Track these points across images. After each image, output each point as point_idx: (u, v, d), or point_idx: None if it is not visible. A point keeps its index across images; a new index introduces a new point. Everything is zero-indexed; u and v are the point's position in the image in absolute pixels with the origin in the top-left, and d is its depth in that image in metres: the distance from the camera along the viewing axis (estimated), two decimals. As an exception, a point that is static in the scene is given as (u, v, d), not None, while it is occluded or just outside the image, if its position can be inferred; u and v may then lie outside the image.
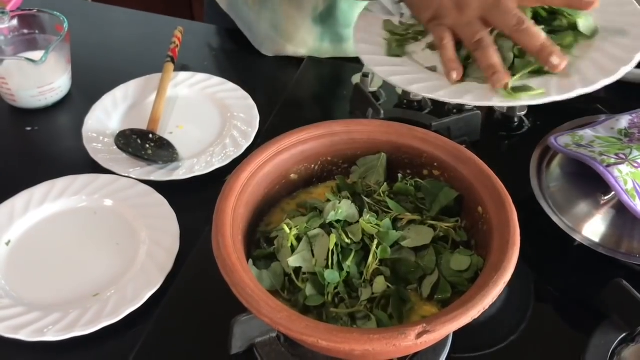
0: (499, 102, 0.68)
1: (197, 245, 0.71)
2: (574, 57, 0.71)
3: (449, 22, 0.73)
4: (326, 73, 0.99)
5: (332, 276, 0.53)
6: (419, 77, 0.73)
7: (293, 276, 0.54)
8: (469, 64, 0.73)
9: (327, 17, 0.97)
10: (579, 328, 0.63)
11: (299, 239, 0.56)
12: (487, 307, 0.48)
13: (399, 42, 0.79)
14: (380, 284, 0.53)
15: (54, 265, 0.70)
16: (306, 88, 0.96)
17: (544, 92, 0.67)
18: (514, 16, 0.69)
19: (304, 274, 0.54)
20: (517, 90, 0.68)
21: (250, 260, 0.56)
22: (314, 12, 0.96)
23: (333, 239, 0.54)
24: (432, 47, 0.78)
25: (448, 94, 0.70)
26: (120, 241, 0.72)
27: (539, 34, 0.68)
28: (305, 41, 0.99)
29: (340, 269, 0.54)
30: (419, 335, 0.46)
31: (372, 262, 0.54)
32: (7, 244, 0.71)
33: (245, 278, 0.50)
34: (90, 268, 0.69)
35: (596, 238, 0.67)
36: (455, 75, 0.71)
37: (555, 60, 0.67)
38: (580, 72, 0.69)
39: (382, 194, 0.60)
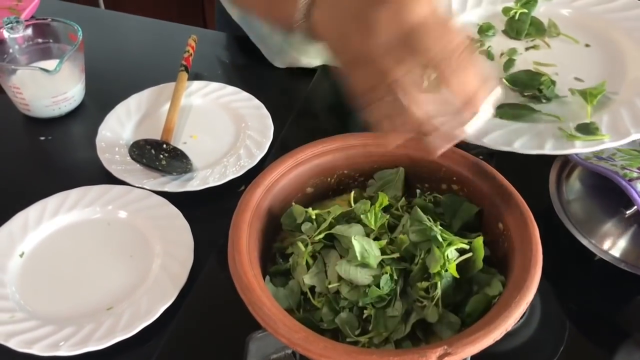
0: (550, 150, 0.61)
1: (211, 257, 0.70)
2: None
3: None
4: (340, 82, 0.98)
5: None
6: None
7: (309, 294, 0.53)
8: None
9: None
10: (601, 346, 0.62)
11: (314, 256, 0.55)
12: (509, 329, 0.47)
13: None
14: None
15: (67, 278, 0.69)
16: (320, 97, 0.95)
17: (609, 137, 0.61)
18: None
19: (320, 294, 0.54)
20: (581, 129, 0.63)
21: (267, 277, 0.55)
22: None
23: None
24: None
25: (496, 140, 0.63)
26: (134, 253, 0.71)
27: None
28: (319, 53, 0.98)
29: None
30: (440, 358, 0.45)
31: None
32: (21, 255, 0.71)
33: (262, 296, 0.49)
34: (104, 281, 0.69)
35: (618, 253, 0.66)
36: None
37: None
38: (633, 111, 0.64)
39: (399, 209, 0.59)
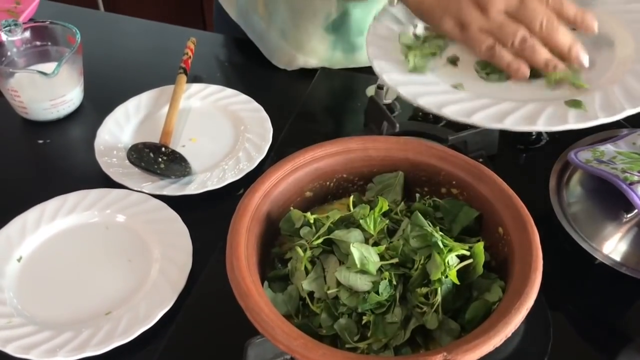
0: (543, 126, 0.64)
1: (210, 262, 0.70)
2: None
3: (477, 26, 0.70)
4: (339, 85, 0.97)
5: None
6: (449, 97, 0.69)
7: (308, 300, 0.53)
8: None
9: (340, 25, 0.96)
10: (602, 351, 0.62)
11: (313, 261, 0.55)
12: (509, 335, 0.47)
13: (418, 57, 0.74)
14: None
15: (65, 282, 0.69)
16: (319, 100, 0.94)
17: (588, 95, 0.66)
18: (543, 14, 0.68)
19: (319, 299, 0.53)
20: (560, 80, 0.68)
21: (266, 282, 0.55)
22: (326, 20, 0.95)
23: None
24: (453, 61, 0.75)
25: (485, 118, 0.65)
26: (132, 258, 0.71)
27: (568, 32, 0.69)
28: (316, 50, 0.97)
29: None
30: (440, 365, 0.44)
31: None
32: (19, 260, 0.71)
33: (260, 302, 0.49)
34: (103, 285, 0.68)
35: (618, 257, 0.66)
36: (525, 71, 0.69)
37: (584, 57, 0.69)
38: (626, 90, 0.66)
39: (399, 213, 0.59)
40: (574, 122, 0.63)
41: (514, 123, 0.64)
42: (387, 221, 0.57)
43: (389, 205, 0.59)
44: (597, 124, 0.62)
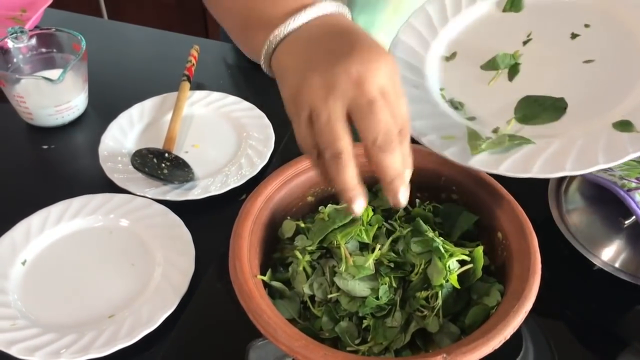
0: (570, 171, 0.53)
1: (212, 266, 0.70)
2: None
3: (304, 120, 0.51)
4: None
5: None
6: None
7: (309, 303, 0.54)
8: None
9: None
10: (600, 355, 0.62)
11: (313, 265, 0.55)
12: (507, 337, 0.47)
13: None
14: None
15: (69, 286, 0.70)
16: (321, 107, 0.95)
17: None
18: (384, 127, 0.48)
19: (320, 302, 0.54)
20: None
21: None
22: None
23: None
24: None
25: (512, 166, 0.54)
26: (135, 262, 0.72)
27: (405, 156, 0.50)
28: None
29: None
30: (439, 366, 0.45)
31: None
32: (23, 263, 0.71)
33: (262, 304, 0.50)
34: (106, 289, 0.69)
35: (616, 263, 0.66)
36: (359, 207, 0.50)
37: (402, 197, 0.50)
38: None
39: (397, 220, 0.60)
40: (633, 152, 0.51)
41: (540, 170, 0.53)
42: (382, 223, 0.58)
43: (385, 213, 0.60)
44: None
